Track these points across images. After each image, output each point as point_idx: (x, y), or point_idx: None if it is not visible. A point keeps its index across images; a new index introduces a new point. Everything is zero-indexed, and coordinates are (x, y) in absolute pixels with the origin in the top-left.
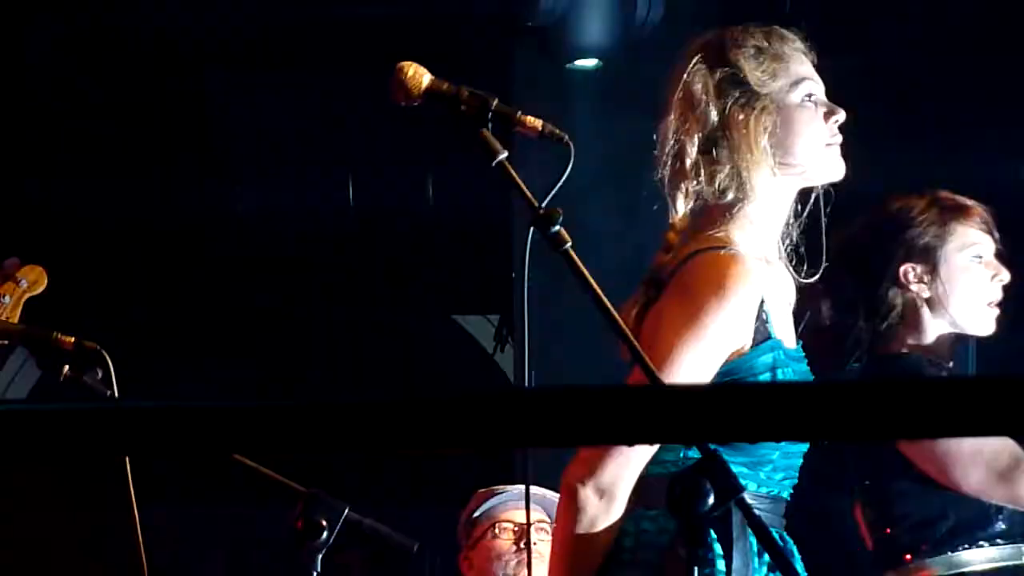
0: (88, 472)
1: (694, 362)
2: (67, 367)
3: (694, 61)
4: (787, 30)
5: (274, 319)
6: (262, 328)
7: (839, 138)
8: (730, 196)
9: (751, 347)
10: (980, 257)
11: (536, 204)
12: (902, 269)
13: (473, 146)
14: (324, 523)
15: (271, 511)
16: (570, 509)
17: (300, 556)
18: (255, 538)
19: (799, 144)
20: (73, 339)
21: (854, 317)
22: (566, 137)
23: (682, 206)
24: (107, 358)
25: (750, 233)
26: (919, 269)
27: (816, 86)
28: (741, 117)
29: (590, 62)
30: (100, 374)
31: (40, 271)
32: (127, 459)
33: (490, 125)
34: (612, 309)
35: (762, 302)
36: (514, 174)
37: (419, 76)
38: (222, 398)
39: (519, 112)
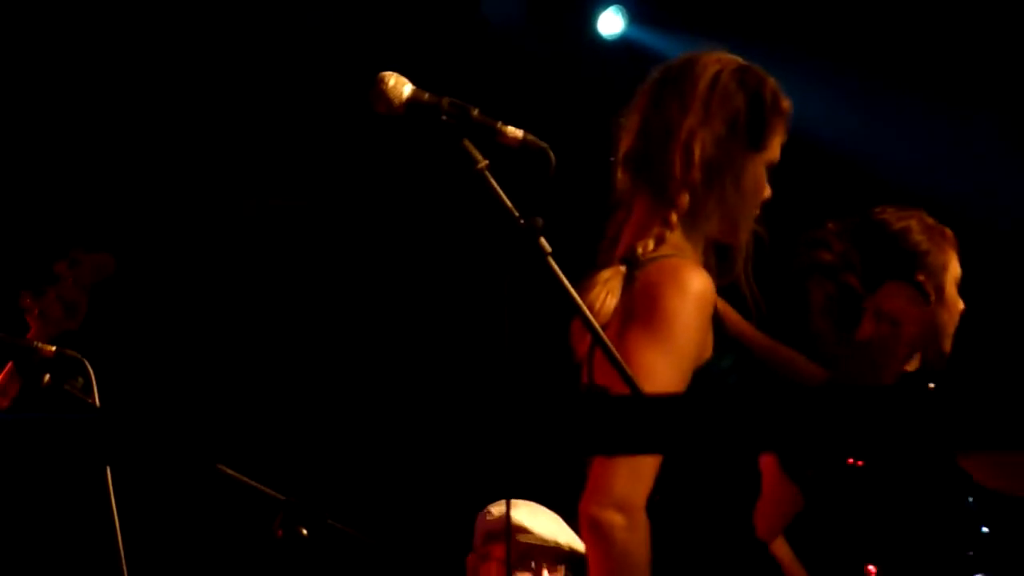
0: (70, 480)
1: (670, 368)
2: (47, 376)
3: (732, 72)
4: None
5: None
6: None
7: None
8: (692, 208)
9: (712, 352)
10: (957, 283)
11: (517, 214)
12: (895, 286)
13: (454, 156)
14: (304, 531)
15: (251, 520)
16: (598, 540)
17: (280, 565)
18: (235, 547)
19: (753, 202)
20: (54, 348)
21: (828, 326)
22: (546, 147)
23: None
24: (88, 366)
25: (694, 242)
26: (929, 284)
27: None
28: (744, 158)
29: None
30: (81, 382)
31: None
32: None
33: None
34: (594, 320)
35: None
36: (495, 183)
37: (400, 86)
38: (207, 405)
39: (499, 122)
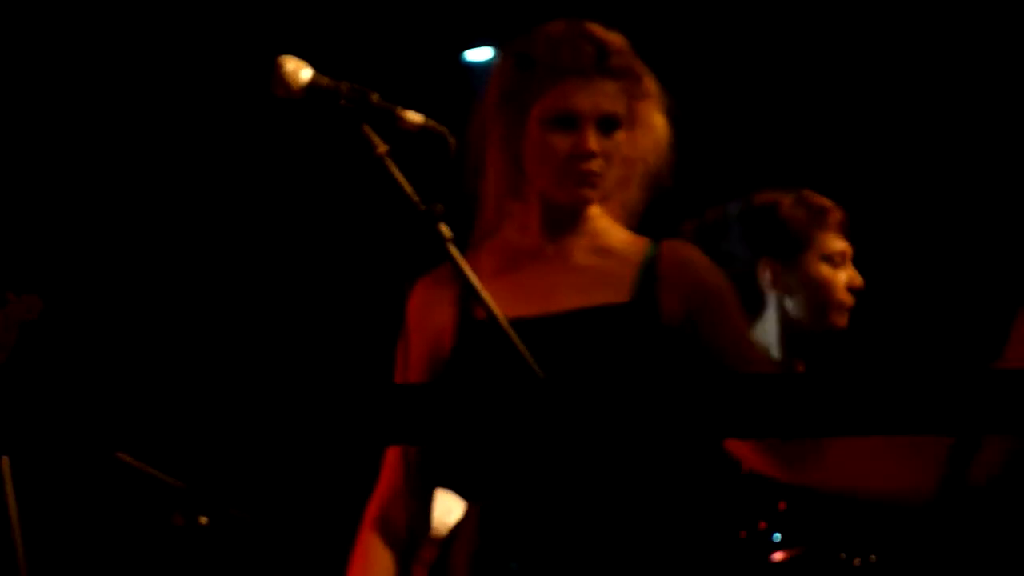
0: None
1: None
2: None
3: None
4: None
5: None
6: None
7: None
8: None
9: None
10: (835, 262)
11: (418, 199)
12: (762, 263)
13: (355, 141)
14: (205, 519)
15: (150, 509)
16: None
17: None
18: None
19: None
20: None
21: None
22: (447, 132)
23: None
24: None
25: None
26: (779, 266)
27: None
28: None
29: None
30: None
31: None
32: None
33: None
34: (493, 304)
35: None
36: (395, 169)
37: (299, 70)
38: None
39: (399, 107)
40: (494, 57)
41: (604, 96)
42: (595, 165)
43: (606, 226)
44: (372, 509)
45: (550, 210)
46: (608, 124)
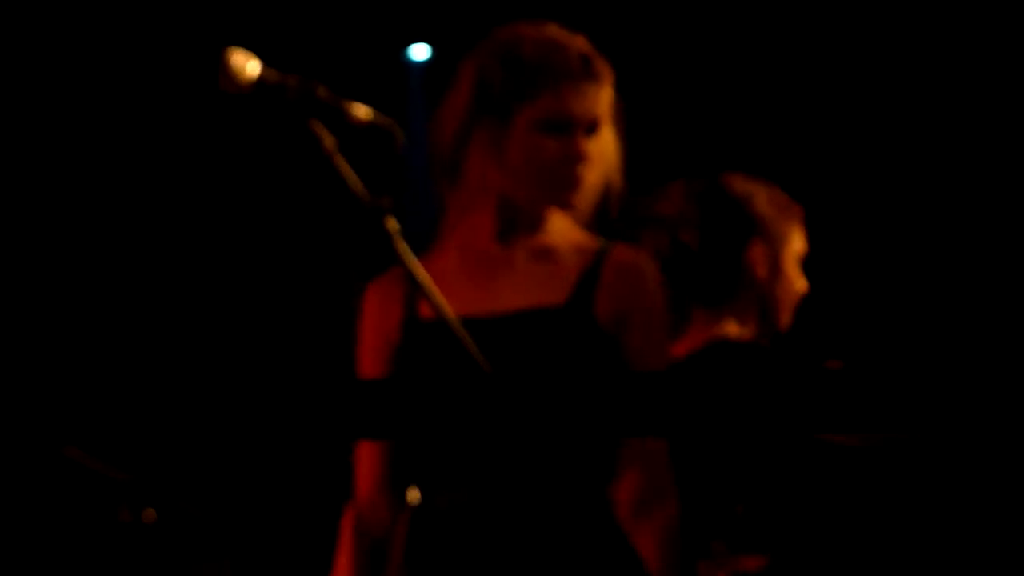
0: None
1: None
2: None
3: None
4: None
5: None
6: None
7: None
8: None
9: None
10: (799, 260)
11: (366, 193)
12: (751, 248)
13: (302, 136)
14: (153, 512)
15: (97, 503)
16: None
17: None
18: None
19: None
20: None
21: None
22: (395, 125)
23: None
24: None
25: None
26: (767, 253)
27: None
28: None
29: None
30: None
31: None
32: None
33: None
34: (442, 300)
35: None
36: (342, 163)
37: (246, 64)
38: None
39: (346, 100)
40: (468, 56)
41: (592, 101)
42: (582, 169)
43: (559, 228)
44: (349, 510)
45: (507, 212)
46: (592, 128)
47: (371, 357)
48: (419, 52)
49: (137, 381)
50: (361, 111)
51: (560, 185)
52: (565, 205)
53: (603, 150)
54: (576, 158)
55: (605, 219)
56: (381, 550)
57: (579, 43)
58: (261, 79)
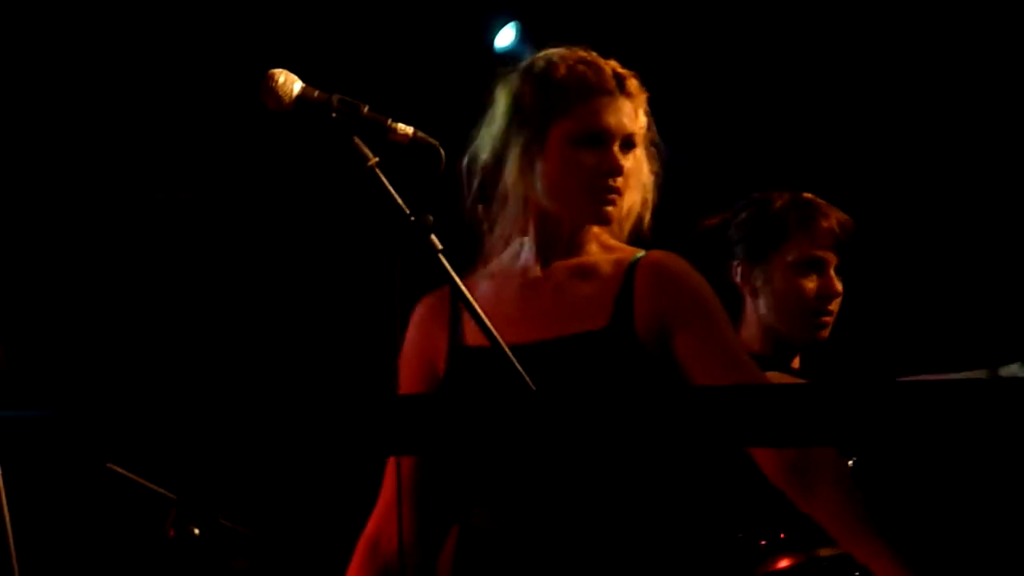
0: None
1: None
2: None
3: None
4: None
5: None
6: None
7: None
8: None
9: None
10: (814, 269)
11: (408, 211)
12: (736, 260)
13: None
14: (196, 531)
15: (143, 520)
16: None
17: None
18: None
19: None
20: None
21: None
22: (437, 144)
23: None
24: None
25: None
26: (746, 265)
27: None
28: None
29: None
30: None
31: None
32: None
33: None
34: (484, 316)
35: None
36: (385, 180)
37: (290, 83)
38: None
39: (390, 119)
40: (499, 81)
41: (626, 116)
42: (619, 182)
43: (598, 245)
44: (369, 526)
45: (546, 233)
46: (628, 144)
47: (412, 378)
48: (504, 38)
49: (171, 393)
50: (404, 129)
51: (597, 198)
52: (603, 219)
53: (639, 168)
54: (612, 171)
55: (640, 239)
56: (392, 567)
57: (611, 63)
58: (303, 97)
